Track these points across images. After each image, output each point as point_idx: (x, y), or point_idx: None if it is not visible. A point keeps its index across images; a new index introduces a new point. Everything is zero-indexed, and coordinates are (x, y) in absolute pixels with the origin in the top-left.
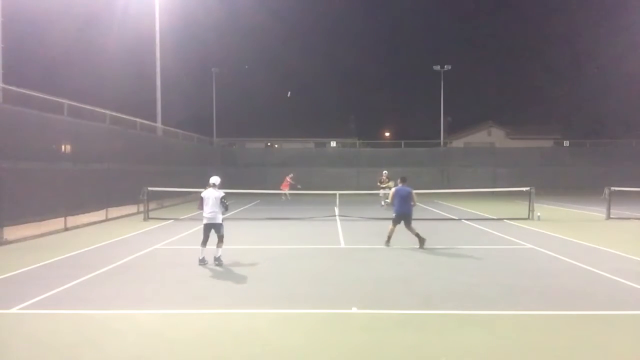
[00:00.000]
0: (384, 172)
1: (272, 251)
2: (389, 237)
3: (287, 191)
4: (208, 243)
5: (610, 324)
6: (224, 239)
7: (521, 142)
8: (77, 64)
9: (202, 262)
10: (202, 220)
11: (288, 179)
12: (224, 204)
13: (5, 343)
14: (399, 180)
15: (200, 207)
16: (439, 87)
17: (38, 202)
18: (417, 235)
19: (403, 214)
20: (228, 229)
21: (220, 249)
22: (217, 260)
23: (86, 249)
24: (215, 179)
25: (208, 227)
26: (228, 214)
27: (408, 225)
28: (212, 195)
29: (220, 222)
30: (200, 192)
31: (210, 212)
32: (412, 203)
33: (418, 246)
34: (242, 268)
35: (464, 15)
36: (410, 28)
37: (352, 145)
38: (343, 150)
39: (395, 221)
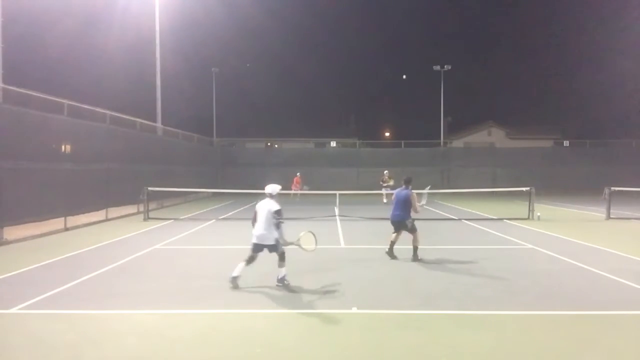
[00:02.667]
0: (385, 171)
1: None
2: (392, 244)
3: (297, 191)
4: (254, 264)
5: (610, 324)
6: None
7: (521, 142)
8: (77, 64)
9: (234, 281)
10: (211, 219)
11: (297, 178)
12: (276, 220)
13: (5, 343)
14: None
15: (254, 221)
16: (439, 87)
17: (38, 202)
18: (415, 249)
19: (393, 221)
20: (228, 229)
21: (283, 269)
22: (280, 282)
23: (86, 249)
24: (271, 188)
25: (257, 248)
26: (229, 214)
27: (407, 231)
28: (264, 208)
29: (274, 242)
30: (200, 192)
31: (261, 231)
32: (410, 209)
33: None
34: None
35: (464, 15)
36: (410, 28)
37: (352, 145)
38: (343, 150)
39: (394, 228)
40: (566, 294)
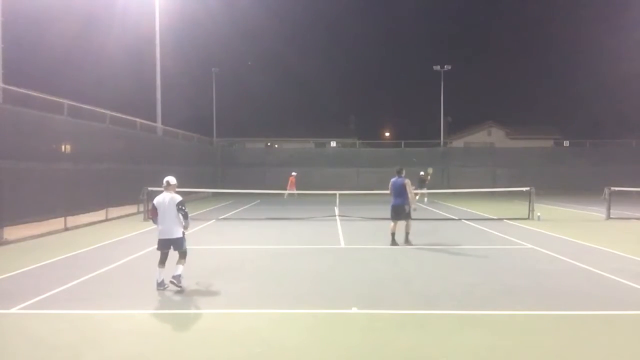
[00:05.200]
0: (422, 172)
1: (272, 251)
2: (393, 235)
3: (294, 190)
4: (167, 262)
5: (610, 324)
6: (187, 256)
7: (521, 142)
8: (77, 64)
9: (161, 285)
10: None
11: (292, 178)
12: (183, 212)
13: (5, 343)
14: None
15: (153, 216)
16: (439, 87)
17: (38, 202)
18: (407, 234)
19: (395, 205)
20: (228, 229)
21: (181, 267)
22: (176, 279)
23: (86, 249)
24: (170, 179)
25: (165, 244)
26: (229, 214)
27: (404, 219)
28: (166, 200)
29: (181, 235)
30: (200, 192)
31: (167, 224)
32: (406, 196)
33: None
34: (242, 268)
35: (464, 15)
36: (410, 28)
37: (352, 145)
38: (343, 150)
39: (392, 216)
40: (566, 294)
